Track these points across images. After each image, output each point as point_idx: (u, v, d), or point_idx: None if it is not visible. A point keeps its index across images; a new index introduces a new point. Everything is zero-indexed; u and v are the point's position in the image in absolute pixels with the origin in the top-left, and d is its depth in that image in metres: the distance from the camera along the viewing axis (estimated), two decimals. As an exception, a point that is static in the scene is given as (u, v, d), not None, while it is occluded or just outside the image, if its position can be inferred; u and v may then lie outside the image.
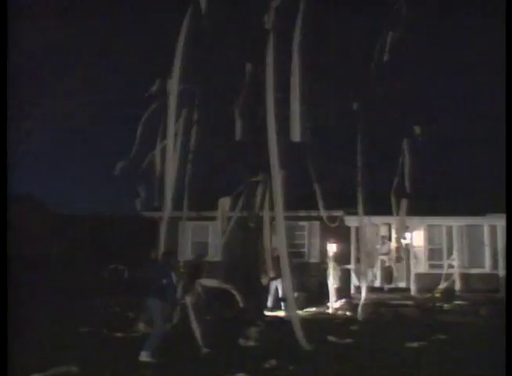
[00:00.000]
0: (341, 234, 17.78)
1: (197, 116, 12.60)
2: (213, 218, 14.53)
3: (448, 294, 17.03)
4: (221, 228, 13.30)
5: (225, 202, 12.68)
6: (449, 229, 19.07)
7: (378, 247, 18.18)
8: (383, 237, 18.44)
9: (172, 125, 10.77)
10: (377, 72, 13.83)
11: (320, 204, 15.21)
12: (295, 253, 16.01)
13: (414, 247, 18.75)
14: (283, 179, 10.01)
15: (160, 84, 11.32)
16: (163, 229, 11.63)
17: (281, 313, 13.29)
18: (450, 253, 18.88)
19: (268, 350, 8.60)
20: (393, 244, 18.80)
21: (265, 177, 12.98)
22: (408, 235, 18.26)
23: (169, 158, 10.76)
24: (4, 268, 5.73)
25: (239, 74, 12.24)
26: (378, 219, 18.41)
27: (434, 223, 19.24)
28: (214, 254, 19.40)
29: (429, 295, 16.94)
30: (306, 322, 9.96)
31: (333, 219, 16.43)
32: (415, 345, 9.23)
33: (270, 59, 10.10)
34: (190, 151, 12.71)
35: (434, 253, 19.50)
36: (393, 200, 15.30)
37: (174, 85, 10.82)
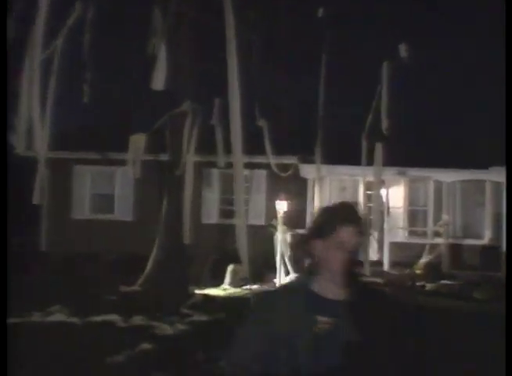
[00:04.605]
0: (295, 188, 17.65)
1: None
2: (122, 162, 14.55)
3: (433, 270, 17.18)
4: (133, 175, 13.37)
5: (138, 140, 12.78)
6: (439, 186, 19.07)
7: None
8: None
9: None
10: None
11: (268, 147, 14.92)
12: (230, 211, 15.64)
13: (390, 208, 18.72)
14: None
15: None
16: (41, 174, 10.84)
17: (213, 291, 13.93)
18: (438, 217, 18.93)
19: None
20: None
21: (194, 107, 13.04)
22: (383, 192, 18.11)
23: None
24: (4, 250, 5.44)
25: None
26: (344, 170, 18.25)
27: (419, 177, 19.24)
28: (123, 212, 19.05)
29: (407, 271, 17.10)
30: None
31: (284, 168, 16.29)
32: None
33: None
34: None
35: (416, 217, 19.62)
36: (364, 145, 15.16)
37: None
